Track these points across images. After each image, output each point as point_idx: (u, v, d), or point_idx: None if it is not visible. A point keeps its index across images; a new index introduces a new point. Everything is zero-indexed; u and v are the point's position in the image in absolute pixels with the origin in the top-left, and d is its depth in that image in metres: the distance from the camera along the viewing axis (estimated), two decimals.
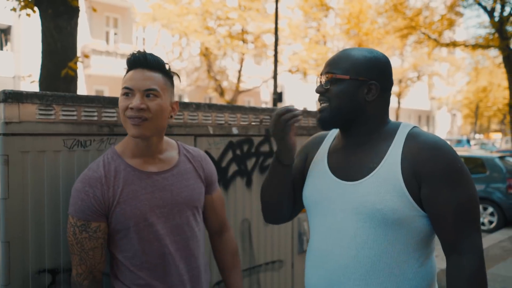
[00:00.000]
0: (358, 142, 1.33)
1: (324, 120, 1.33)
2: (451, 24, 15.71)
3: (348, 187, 1.29)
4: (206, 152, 2.11)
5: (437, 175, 1.20)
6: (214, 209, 1.67)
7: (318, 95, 1.36)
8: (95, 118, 1.69)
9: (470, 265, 1.18)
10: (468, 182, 1.21)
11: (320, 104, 1.35)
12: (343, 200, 1.29)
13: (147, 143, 1.45)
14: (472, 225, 1.20)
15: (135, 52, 1.43)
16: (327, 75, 1.32)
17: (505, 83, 18.75)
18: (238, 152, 2.28)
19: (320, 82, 1.34)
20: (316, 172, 1.41)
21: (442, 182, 1.19)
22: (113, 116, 1.73)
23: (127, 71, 1.43)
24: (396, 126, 1.33)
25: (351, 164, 1.32)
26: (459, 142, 25.87)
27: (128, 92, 1.39)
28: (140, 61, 1.40)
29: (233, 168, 2.25)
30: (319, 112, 1.35)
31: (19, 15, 4.78)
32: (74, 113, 1.63)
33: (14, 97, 1.48)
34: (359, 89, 1.29)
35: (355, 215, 1.26)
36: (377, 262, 1.24)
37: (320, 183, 1.37)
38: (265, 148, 2.42)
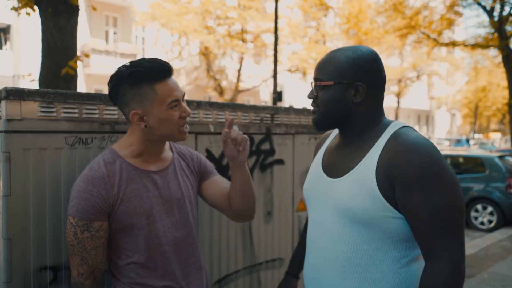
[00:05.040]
0: (349, 141, 1.35)
1: (317, 123, 1.36)
2: (450, 23, 15.72)
3: (330, 183, 1.32)
4: (207, 150, 2.12)
5: (409, 179, 1.15)
6: (219, 187, 1.64)
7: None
8: (97, 116, 1.69)
9: (441, 273, 1.13)
10: (446, 187, 1.14)
11: (313, 107, 1.38)
12: (326, 195, 1.33)
13: (160, 144, 1.49)
14: (449, 232, 1.14)
15: (154, 63, 1.39)
16: (314, 83, 1.34)
17: (504, 83, 18.77)
18: None
19: (312, 88, 1.37)
20: (312, 168, 1.48)
21: (415, 185, 1.15)
22: (114, 114, 1.73)
23: (150, 82, 1.38)
24: (386, 125, 1.31)
25: (337, 162, 1.35)
26: (458, 141, 25.89)
27: (176, 104, 1.42)
28: (168, 71, 1.41)
29: None
30: (312, 114, 1.38)
31: (19, 14, 4.77)
32: (76, 110, 1.63)
33: (16, 94, 1.48)
34: (345, 92, 1.29)
35: (332, 211, 1.30)
36: (352, 258, 1.26)
37: (313, 178, 1.43)
38: (265, 146, 2.42)
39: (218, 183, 1.66)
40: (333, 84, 1.29)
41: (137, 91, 1.38)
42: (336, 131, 1.51)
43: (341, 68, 1.29)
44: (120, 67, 1.43)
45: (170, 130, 1.43)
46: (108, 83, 1.43)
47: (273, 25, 13.25)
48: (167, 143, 1.59)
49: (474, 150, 11.72)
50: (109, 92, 1.45)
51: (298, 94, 24.19)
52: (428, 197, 1.14)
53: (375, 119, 1.32)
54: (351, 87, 1.28)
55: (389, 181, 1.19)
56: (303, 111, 2.65)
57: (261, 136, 2.39)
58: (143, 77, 1.37)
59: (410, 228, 1.21)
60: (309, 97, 1.37)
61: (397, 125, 1.29)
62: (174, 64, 19.12)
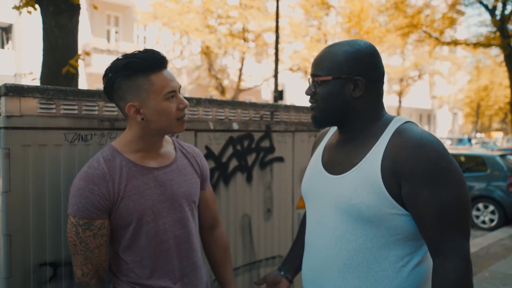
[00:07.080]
0: (350, 137, 1.32)
1: (316, 119, 1.34)
2: (452, 22, 15.68)
3: (332, 180, 1.30)
4: (207, 147, 2.12)
5: (417, 175, 1.14)
6: (207, 205, 1.69)
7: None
8: (96, 113, 1.69)
9: (455, 270, 1.12)
10: (454, 182, 1.14)
11: (311, 104, 1.35)
12: (327, 193, 1.30)
13: (158, 138, 1.47)
14: (457, 228, 1.13)
15: (149, 54, 1.38)
16: (312, 79, 1.32)
17: (507, 82, 18.72)
18: (238, 147, 2.28)
19: (309, 84, 1.34)
20: (311, 165, 1.45)
21: (423, 182, 1.13)
22: (114, 111, 1.74)
23: (146, 73, 1.37)
24: (389, 121, 1.28)
25: (339, 159, 1.32)
26: (460, 141, 25.86)
27: (173, 94, 1.41)
28: (163, 62, 1.40)
29: (234, 163, 2.26)
30: (311, 110, 1.36)
31: (20, 13, 4.78)
32: (75, 107, 1.64)
33: (16, 91, 1.49)
34: (344, 87, 1.27)
35: (334, 208, 1.27)
36: (354, 256, 1.23)
37: (312, 176, 1.40)
38: (265, 143, 2.43)
39: (207, 199, 1.69)
40: (331, 80, 1.27)
41: (133, 82, 1.36)
42: (333, 128, 1.48)
43: (338, 62, 1.26)
44: (114, 60, 1.41)
45: (168, 122, 1.41)
46: (103, 78, 1.42)
47: (274, 24, 13.24)
48: (170, 140, 1.59)
49: (476, 149, 11.69)
50: (104, 87, 1.42)
51: (300, 93, 24.15)
52: (436, 193, 1.13)
53: (376, 113, 1.30)
54: (350, 82, 1.26)
55: (395, 177, 1.17)
56: (303, 108, 2.65)
57: (260, 133, 2.40)
58: (138, 67, 1.36)
59: (416, 224, 1.19)
60: (307, 93, 1.35)
61: (400, 120, 1.27)
62: (176, 63, 19.14)
